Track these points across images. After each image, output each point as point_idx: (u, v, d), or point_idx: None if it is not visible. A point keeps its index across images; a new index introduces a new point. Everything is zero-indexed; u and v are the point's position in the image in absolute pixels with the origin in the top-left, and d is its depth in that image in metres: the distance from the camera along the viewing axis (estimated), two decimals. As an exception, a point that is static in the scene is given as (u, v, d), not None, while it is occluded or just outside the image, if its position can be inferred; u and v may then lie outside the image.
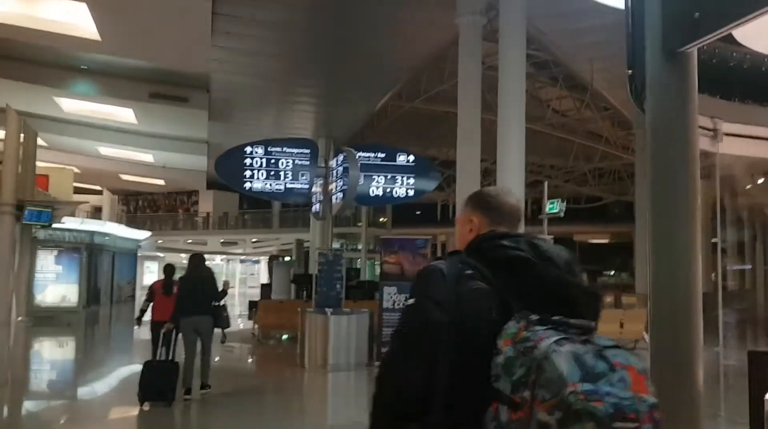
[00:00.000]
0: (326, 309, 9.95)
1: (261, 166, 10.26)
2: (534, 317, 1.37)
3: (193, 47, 16.16)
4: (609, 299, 21.56)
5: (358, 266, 28.84)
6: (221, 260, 38.60)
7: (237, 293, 33.27)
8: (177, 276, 7.95)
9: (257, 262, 37.33)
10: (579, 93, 23.39)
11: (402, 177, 10.71)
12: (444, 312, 1.44)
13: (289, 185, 10.35)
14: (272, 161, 10.30)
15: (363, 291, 14.55)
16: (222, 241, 35.84)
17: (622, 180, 43.32)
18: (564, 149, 27.51)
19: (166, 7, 14.34)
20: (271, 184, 10.29)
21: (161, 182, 33.31)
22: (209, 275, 7.64)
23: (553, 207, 10.44)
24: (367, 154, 10.59)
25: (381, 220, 32.69)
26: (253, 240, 35.43)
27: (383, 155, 10.73)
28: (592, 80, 17.35)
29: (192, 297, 7.29)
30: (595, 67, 16.92)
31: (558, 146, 26.20)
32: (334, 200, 10.46)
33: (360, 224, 30.37)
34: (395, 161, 10.75)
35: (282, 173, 10.32)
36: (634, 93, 2.38)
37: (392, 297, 9.76)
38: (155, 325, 7.86)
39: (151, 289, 8.27)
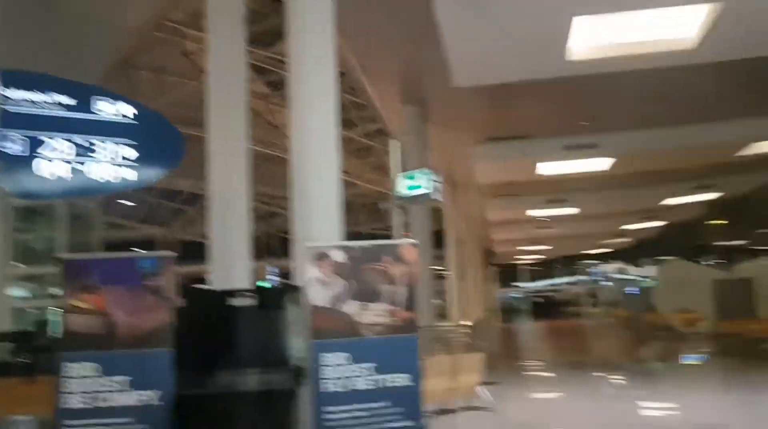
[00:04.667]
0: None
1: None
2: None
3: None
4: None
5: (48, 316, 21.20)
6: None
7: None
8: None
9: None
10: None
11: (110, 144, 5.34)
12: None
13: None
14: None
15: (41, 357, 8.30)
16: None
17: (354, 211, 41.33)
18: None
19: None
20: None
21: None
22: None
23: (415, 184, 5.81)
24: (31, 95, 5.04)
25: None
26: None
27: (71, 102, 5.24)
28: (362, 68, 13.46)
29: None
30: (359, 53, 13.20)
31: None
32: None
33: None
34: (93, 112, 5.35)
35: None
36: None
37: (86, 381, 4.34)
38: None
39: None
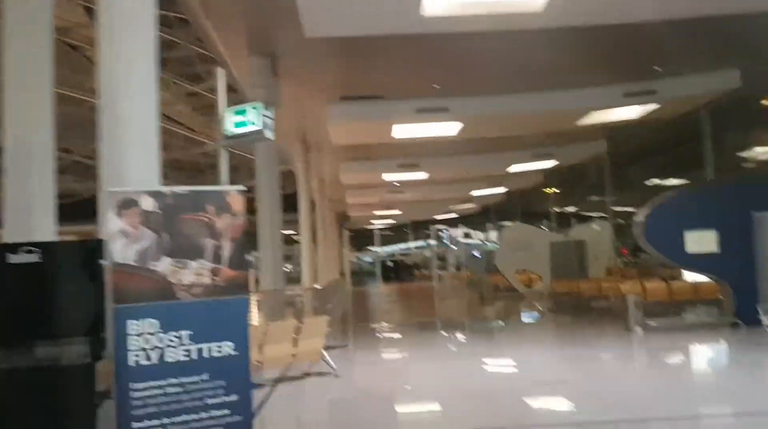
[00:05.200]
0: None
1: None
2: None
3: None
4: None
5: None
6: None
7: None
8: None
9: None
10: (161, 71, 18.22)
11: None
12: None
13: None
14: None
15: None
16: None
17: (202, 172, 39.25)
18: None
19: None
20: None
21: None
22: None
23: (243, 121, 4.98)
24: None
25: None
26: None
27: None
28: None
29: None
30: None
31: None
32: None
33: None
34: None
35: None
36: None
37: None
38: None
39: None
